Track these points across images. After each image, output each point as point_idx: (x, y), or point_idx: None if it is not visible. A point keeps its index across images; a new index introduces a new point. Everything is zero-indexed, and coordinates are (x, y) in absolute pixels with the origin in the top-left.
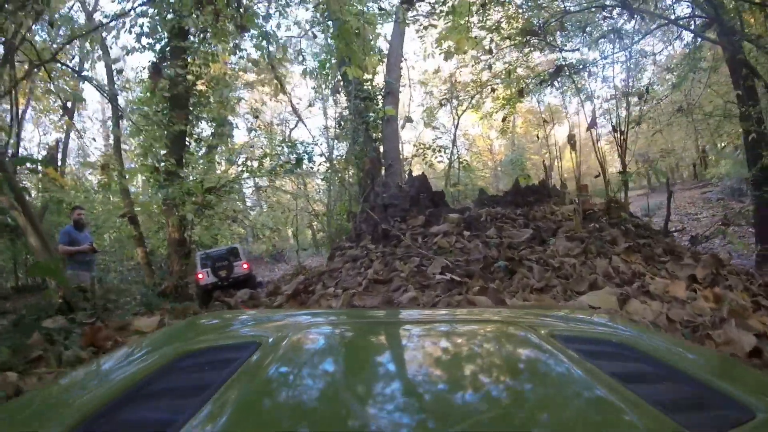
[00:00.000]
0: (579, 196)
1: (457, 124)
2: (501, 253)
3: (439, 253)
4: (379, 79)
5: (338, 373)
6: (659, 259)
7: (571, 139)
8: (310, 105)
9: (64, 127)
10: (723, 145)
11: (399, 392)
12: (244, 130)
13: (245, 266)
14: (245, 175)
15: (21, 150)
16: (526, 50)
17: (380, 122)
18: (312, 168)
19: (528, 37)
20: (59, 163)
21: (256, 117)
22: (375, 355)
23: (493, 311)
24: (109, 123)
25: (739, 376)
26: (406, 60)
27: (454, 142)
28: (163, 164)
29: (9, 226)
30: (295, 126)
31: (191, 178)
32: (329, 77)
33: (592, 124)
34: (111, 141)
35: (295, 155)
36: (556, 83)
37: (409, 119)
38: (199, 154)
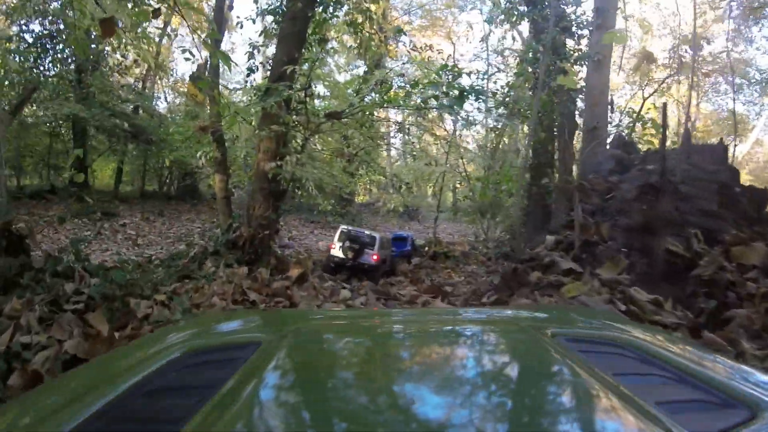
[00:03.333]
0: None
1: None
2: None
3: None
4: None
5: (338, 373)
6: None
7: None
8: (482, 40)
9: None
10: None
11: (398, 391)
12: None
13: (375, 257)
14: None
15: None
16: None
17: (584, 64)
18: (481, 109)
19: None
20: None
21: (400, 32)
22: (375, 355)
23: (495, 311)
24: None
25: (739, 376)
26: None
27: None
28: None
29: (129, 132)
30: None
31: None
32: None
33: None
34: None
35: (456, 88)
36: None
37: (648, 57)
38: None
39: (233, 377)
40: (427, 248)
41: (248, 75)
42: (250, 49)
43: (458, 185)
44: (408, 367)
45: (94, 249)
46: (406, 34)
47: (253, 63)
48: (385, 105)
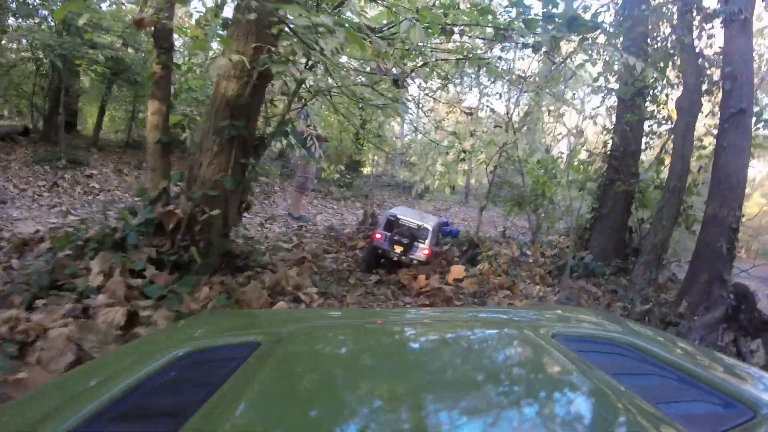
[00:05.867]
0: None
1: None
2: None
3: None
4: None
5: (336, 372)
6: None
7: None
8: None
9: None
10: None
11: (397, 391)
12: None
13: (426, 253)
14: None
15: None
16: None
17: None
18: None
19: None
20: None
21: None
22: (373, 355)
23: (494, 311)
24: None
25: (739, 376)
26: None
27: None
28: None
29: (108, 68)
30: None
31: None
32: None
33: None
34: None
35: (561, 16)
36: None
37: None
38: None
39: (233, 377)
40: (464, 248)
41: None
42: None
43: (493, 166)
44: (407, 367)
45: (42, 204)
46: None
47: None
48: (449, 25)
